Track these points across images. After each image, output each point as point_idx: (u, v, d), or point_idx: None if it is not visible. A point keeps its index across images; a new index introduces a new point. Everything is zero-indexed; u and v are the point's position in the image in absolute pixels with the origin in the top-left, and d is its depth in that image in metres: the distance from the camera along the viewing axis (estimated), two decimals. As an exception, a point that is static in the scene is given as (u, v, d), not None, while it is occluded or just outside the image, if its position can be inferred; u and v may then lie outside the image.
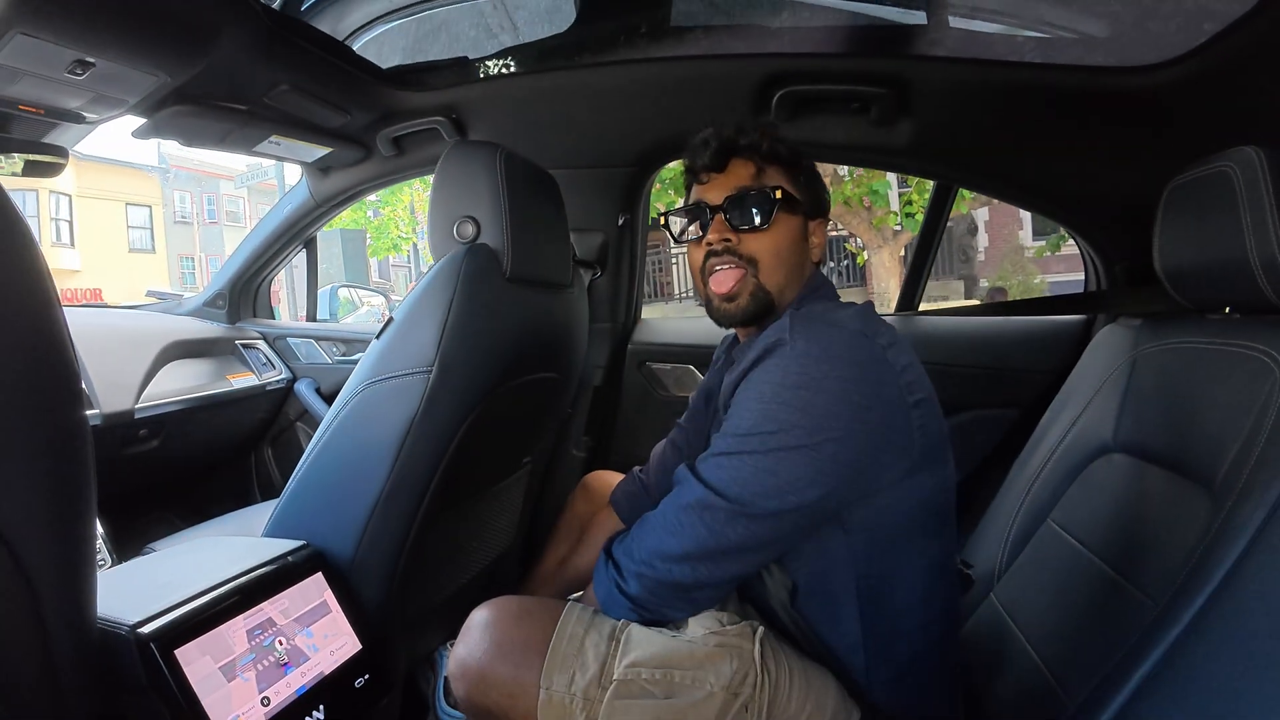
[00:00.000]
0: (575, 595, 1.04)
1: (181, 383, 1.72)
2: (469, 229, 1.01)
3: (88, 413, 1.42)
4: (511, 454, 1.31)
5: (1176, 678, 0.64)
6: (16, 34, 0.92)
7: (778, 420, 0.76)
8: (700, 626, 0.82)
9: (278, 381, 1.98)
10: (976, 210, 9.95)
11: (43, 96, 1.13)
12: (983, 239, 10.90)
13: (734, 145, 0.92)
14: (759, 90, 1.34)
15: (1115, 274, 1.38)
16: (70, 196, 14.60)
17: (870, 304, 0.87)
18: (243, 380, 1.88)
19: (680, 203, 0.99)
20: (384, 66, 1.48)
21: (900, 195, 7.08)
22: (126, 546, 1.44)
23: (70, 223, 14.66)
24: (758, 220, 0.88)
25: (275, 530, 1.05)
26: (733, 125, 0.92)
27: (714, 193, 0.91)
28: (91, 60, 1.02)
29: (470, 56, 1.48)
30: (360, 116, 1.53)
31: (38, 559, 0.59)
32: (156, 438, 1.67)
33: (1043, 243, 8.62)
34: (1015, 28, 1.36)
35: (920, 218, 6.23)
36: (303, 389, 2.00)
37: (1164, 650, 0.66)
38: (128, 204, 15.59)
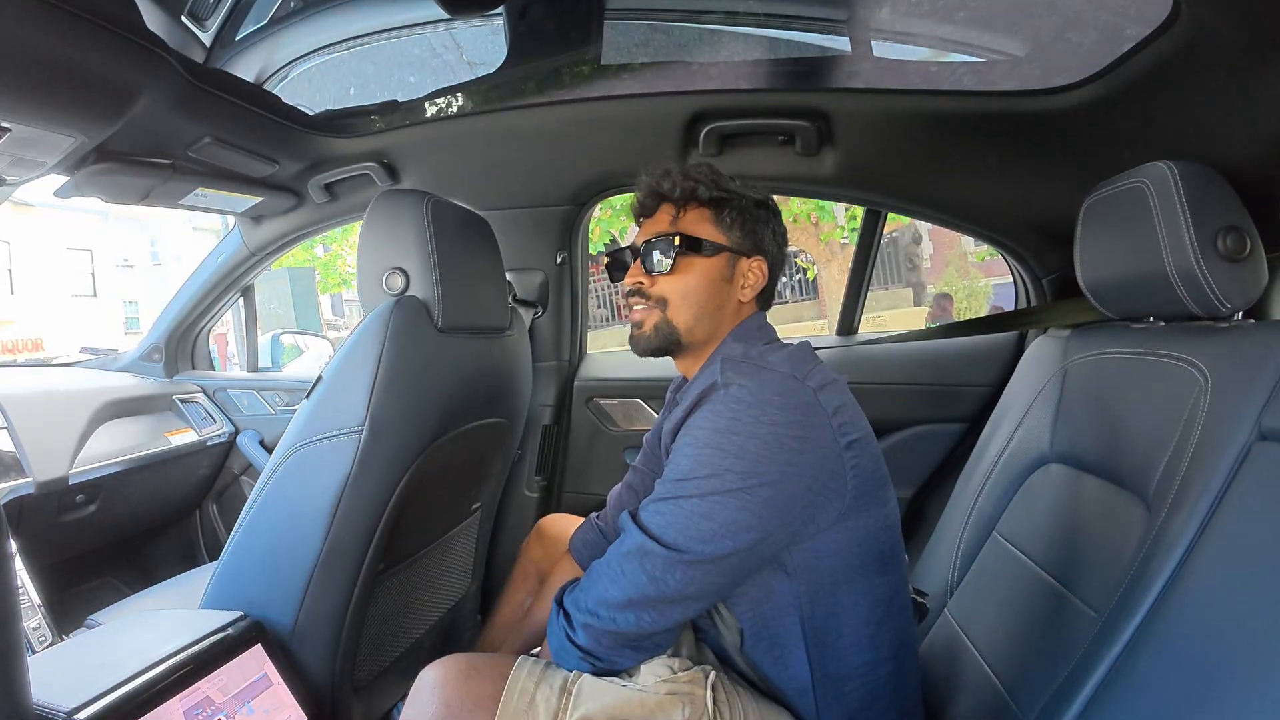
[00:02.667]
0: (535, 650, 1.02)
1: (118, 443, 1.67)
2: (398, 281, 1.00)
3: (19, 481, 1.40)
4: (459, 501, 1.30)
5: (1125, 691, 0.66)
6: None
7: (711, 465, 0.77)
8: (652, 674, 0.82)
9: (219, 436, 1.92)
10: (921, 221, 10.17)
11: None
12: (927, 246, 11.15)
13: (658, 191, 0.94)
14: (686, 127, 1.37)
15: (1043, 288, 1.43)
16: (8, 243, 14.03)
17: (806, 344, 0.88)
18: (182, 437, 1.83)
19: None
20: (315, 108, 1.47)
21: (846, 210, 7.26)
22: (67, 619, 1.41)
23: (9, 270, 14.10)
24: (663, 265, 0.92)
25: (213, 600, 1.02)
26: (662, 170, 0.94)
27: (640, 237, 0.96)
28: (6, 125, 1.00)
29: (400, 99, 1.47)
30: (289, 165, 1.51)
31: None
32: (94, 502, 1.62)
33: (984, 247, 8.85)
34: (938, 51, 1.40)
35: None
36: (245, 442, 1.94)
37: (1110, 663, 0.68)
38: (67, 248, 15.03)
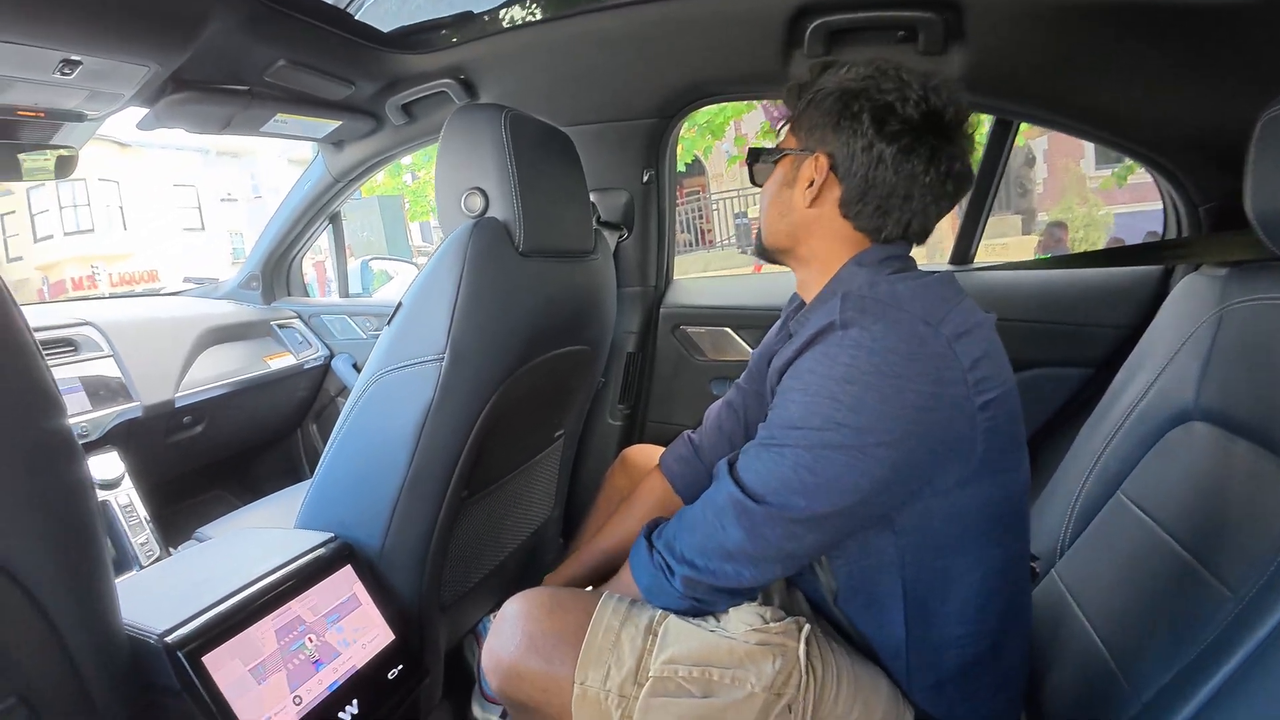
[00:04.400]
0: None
1: (220, 368, 1.74)
2: (476, 201, 0.94)
3: (126, 406, 1.49)
4: (543, 429, 1.27)
5: (1260, 685, 0.57)
6: None
7: (822, 416, 0.69)
8: (742, 622, 0.77)
9: (315, 359, 1.99)
10: (1034, 140, 9.32)
11: (39, 100, 1.12)
12: (1041, 170, 10.28)
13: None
14: (789, 24, 1.20)
15: (1199, 218, 1.23)
16: (117, 183, 15.15)
17: (946, 277, 0.76)
18: (280, 361, 1.90)
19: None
20: (387, 30, 1.40)
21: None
22: (177, 532, 1.48)
23: (120, 208, 15.27)
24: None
25: (306, 520, 1.04)
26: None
27: None
28: (77, 59, 0.99)
29: (476, 10, 1.38)
30: (366, 86, 1.46)
31: (40, 579, 0.58)
32: (200, 424, 1.71)
33: (1108, 173, 8.06)
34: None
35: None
36: (339, 365, 2.02)
37: (1247, 652, 0.59)
38: (174, 185, 16.06)
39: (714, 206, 11.38)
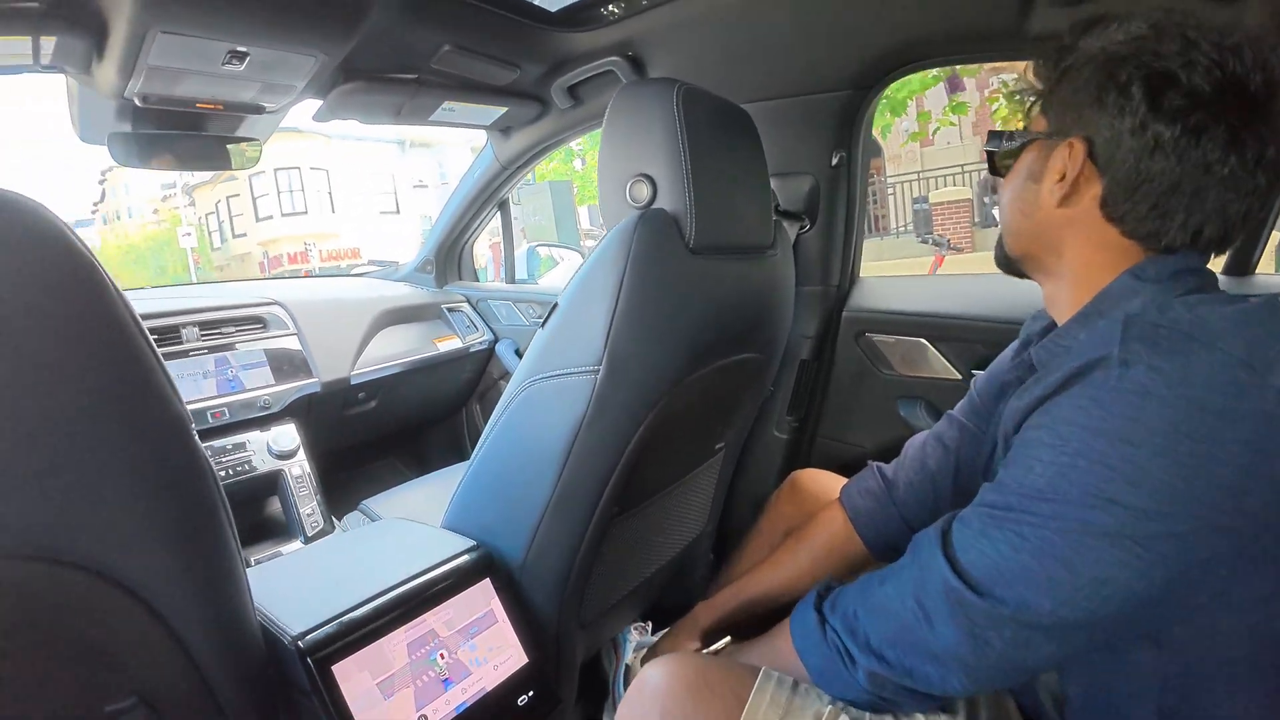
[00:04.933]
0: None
1: (393, 348, 1.84)
2: (643, 191, 0.82)
3: (307, 381, 1.57)
4: (703, 441, 1.15)
5: None
6: (158, 33, 0.92)
7: (1084, 487, 0.50)
8: None
9: (480, 344, 2.05)
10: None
11: (215, 92, 1.16)
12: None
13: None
14: None
15: None
16: (326, 171, 17.45)
17: (1271, 304, 0.54)
18: (448, 344, 1.97)
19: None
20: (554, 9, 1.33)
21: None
22: (350, 495, 1.56)
23: (329, 194, 17.58)
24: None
25: (452, 519, 1.01)
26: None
27: None
28: (243, 49, 1.01)
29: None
30: (531, 69, 1.40)
31: (149, 581, 0.55)
32: (374, 399, 1.82)
33: None
34: None
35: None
36: (503, 350, 2.06)
37: None
38: (372, 173, 18.21)
39: (890, 190, 10.60)
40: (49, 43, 0.92)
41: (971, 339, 1.21)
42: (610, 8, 1.31)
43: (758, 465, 1.45)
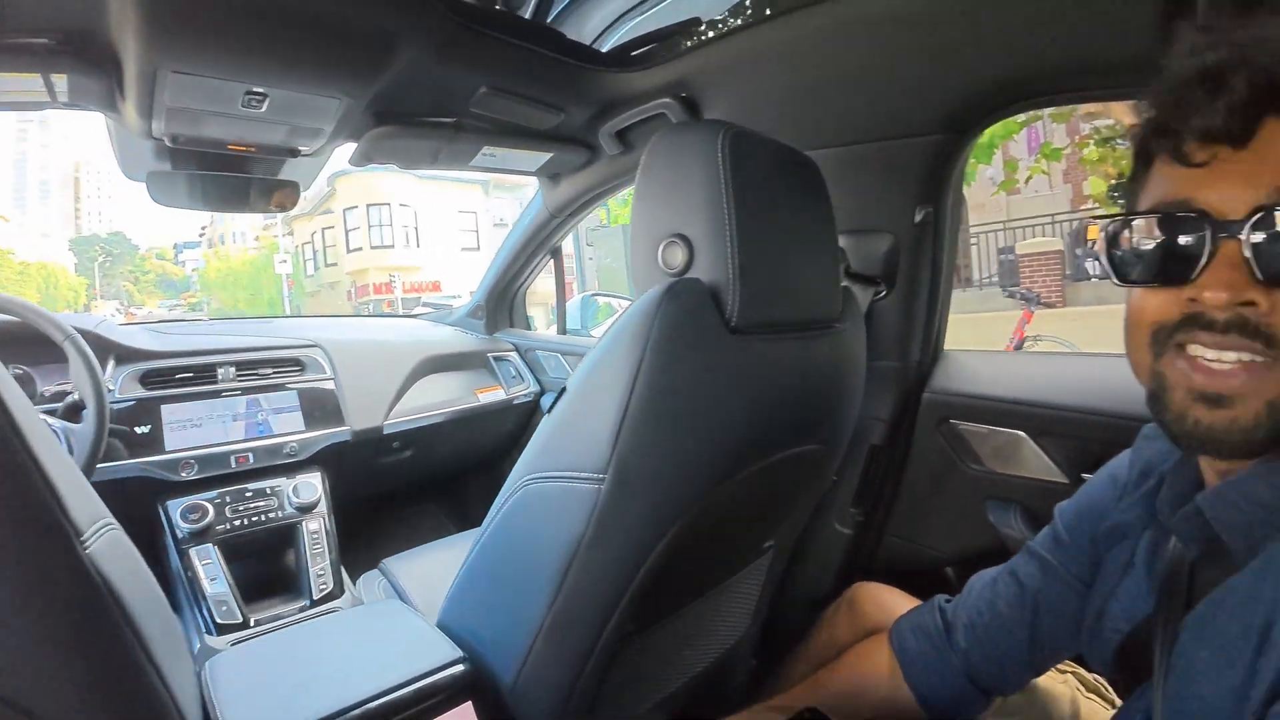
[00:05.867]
0: None
1: (433, 397, 1.79)
2: (677, 255, 0.67)
3: (337, 429, 1.49)
4: (748, 541, 0.98)
5: None
6: (169, 73, 0.89)
7: None
8: None
9: (525, 395, 1.98)
10: None
11: (241, 134, 1.13)
12: None
13: (1276, 86, 0.43)
14: None
15: None
16: (414, 209, 18.47)
17: None
18: (491, 395, 1.91)
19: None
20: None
21: None
22: (366, 555, 1.51)
23: (415, 229, 18.51)
24: None
25: (445, 617, 0.89)
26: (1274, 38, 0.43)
27: (1225, 189, 0.45)
28: (261, 90, 0.98)
29: (704, 18, 1.13)
30: (576, 112, 1.30)
31: (60, 706, 0.49)
32: (409, 449, 1.76)
33: None
34: None
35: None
36: (547, 402, 1.97)
37: None
38: (459, 211, 19.08)
39: (973, 240, 10.11)
40: (60, 80, 0.89)
41: (1083, 435, 0.99)
42: (660, 46, 1.20)
43: (815, 562, 1.26)
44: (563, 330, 2.15)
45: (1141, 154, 0.51)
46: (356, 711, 0.70)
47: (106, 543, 0.53)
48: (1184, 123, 0.45)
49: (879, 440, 1.16)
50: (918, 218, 1.05)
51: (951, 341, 1.22)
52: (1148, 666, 0.53)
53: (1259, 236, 0.42)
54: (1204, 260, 0.44)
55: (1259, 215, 0.42)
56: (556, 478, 0.67)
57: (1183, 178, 0.46)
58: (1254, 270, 0.43)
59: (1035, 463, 1.05)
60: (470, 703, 0.76)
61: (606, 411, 0.63)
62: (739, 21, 1.13)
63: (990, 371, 1.15)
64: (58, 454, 0.49)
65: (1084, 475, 0.92)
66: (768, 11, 1.09)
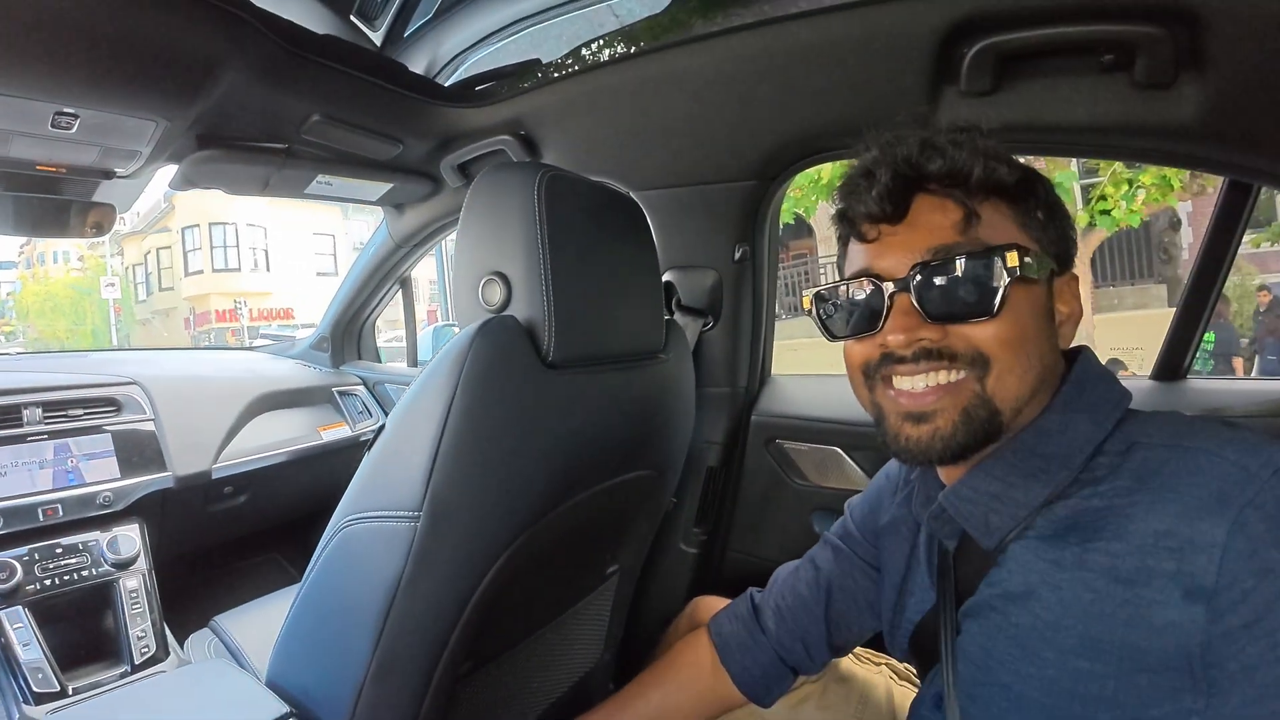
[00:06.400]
0: None
1: (270, 436, 1.66)
2: (495, 292, 0.70)
3: (157, 475, 1.35)
4: (590, 568, 1.00)
5: None
6: None
7: None
8: None
9: (372, 431, 1.88)
10: (1181, 201, 8.43)
11: (50, 155, 1.05)
12: (1187, 234, 9.16)
13: (920, 172, 0.56)
14: (941, 47, 0.88)
15: None
16: (264, 229, 17.05)
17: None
18: (334, 432, 1.80)
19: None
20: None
21: (1085, 187, 5.98)
22: (196, 613, 1.38)
23: (265, 251, 17.09)
24: (984, 303, 0.53)
25: (275, 671, 0.83)
26: (916, 138, 0.57)
27: (891, 257, 0.57)
28: (71, 111, 0.91)
29: (544, 59, 1.17)
30: (416, 145, 1.29)
31: None
32: (243, 494, 1.62)
33: (1260, 234, 7.06)
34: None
35: (1117, 213, 5.09)
36: None
37: None
38: (314, 233, 17.85)
39: (821, 270, 10.90)
40: None
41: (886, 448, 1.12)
42: (500, 84, 1.22)
43: (664, 582, 1.30)
44: (413, 362, 2.07)
45: (841, 236, 0.64)
46: None
47: None
48: (855, 210, 0.58)
49: (715, 462, 1.23)
50: (736, 255, 1.15)
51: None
52: (938, 652, 0.61)
53: (921, 288, 0.54)
54: (884, 313, 0.56)
55: (917, 273, 0.54)
56: (373, 517, 0.66)
57: (863, 251, 0.59)
58: (923, 313, 0.55)
59: (851, 475, 1.16)
60: None
61: (419, 449, 0.63)
62: (576, 66, 1.18)
63: (809, 395, 1.26)
64: None
65: None
66: (604, 59, 1.15)
